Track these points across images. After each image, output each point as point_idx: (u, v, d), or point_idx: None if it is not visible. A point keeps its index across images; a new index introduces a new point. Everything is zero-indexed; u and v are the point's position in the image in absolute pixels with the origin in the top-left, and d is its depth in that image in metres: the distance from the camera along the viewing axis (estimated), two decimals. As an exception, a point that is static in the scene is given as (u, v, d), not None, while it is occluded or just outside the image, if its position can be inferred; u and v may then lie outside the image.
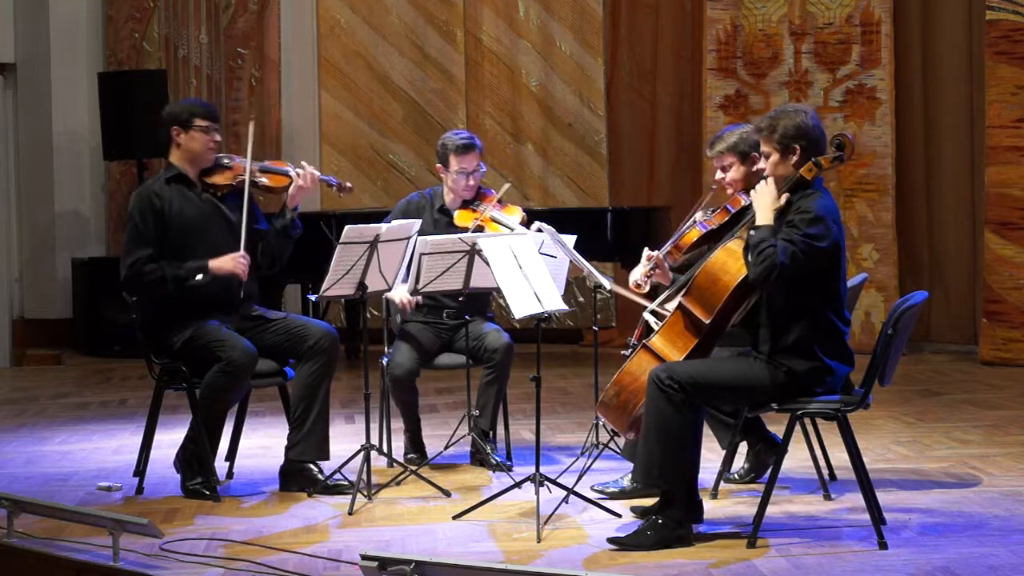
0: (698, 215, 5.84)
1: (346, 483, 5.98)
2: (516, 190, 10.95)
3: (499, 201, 6.61)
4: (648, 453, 5.11)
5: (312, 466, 6.06)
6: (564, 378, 9.40)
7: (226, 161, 6.19)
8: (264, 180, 6.17)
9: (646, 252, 5.75)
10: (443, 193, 6.70)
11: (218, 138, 6.15)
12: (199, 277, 5.92)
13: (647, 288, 5.72)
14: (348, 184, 6.35)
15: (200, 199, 6.11)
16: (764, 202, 5.14)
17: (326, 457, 6.09)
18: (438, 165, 6.68)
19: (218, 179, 6.15)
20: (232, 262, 5.97)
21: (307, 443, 6.03)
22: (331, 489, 6.00)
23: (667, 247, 5.78)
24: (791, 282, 5.03)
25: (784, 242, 5.00)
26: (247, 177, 6.09)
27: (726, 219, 5.75)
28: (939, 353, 10.21)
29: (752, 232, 5.07)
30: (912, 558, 4.92)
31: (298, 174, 6.16)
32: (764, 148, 5.23)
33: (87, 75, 11.38)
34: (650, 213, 9.87)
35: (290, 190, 6.15)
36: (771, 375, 5.13)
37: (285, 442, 6.10)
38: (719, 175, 5.91)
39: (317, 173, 6.20)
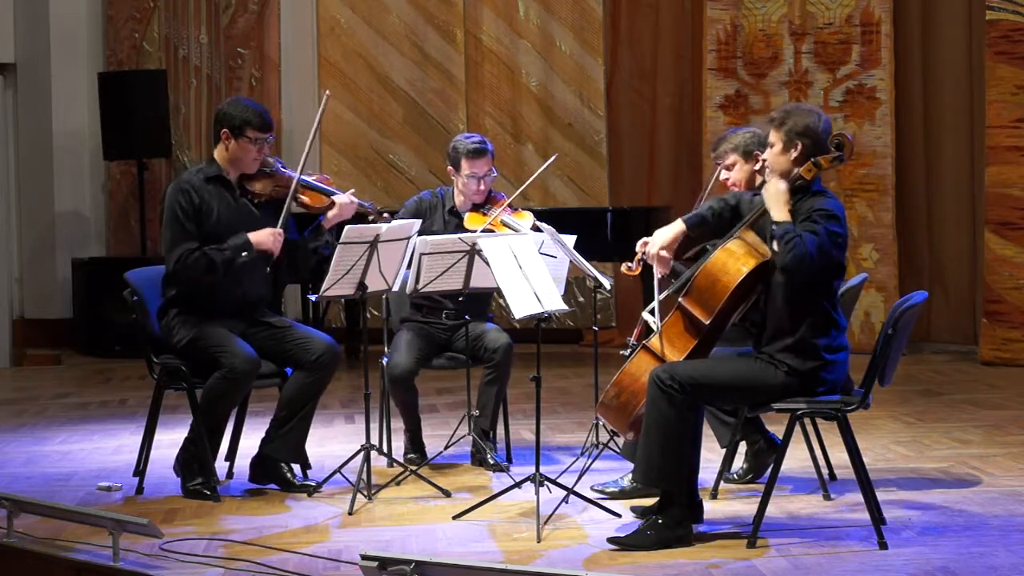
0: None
1: (313, 484, 6.01)
2: (515, 190, 10.93)
3: (510, 206, 6.60)
4: (648, 453, 5.11)
5: (284, 465, 6.08)
6: (564, 378, 9.40)
7: (269, 169, 6.15)
8: (305, 198, 6.16)
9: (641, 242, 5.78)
10: (453, 195, 6.70)
11: (267, 148, 6.11)
12: (244, 255, 5.93)
13: (639, 270, 5.72)
14: (386, 214, 6.32)
15: (236, 202, 6.10)
16: (779, 200, 5.13)
17: (298, 461, 6.10)
18: (449, 168, 6.66)
19: (258, 186, 6.12)
20: (270, 236, 5.96)
21: (283, 442, 6.04)
22: (302, 488, 6.02)
23: None
24: (805, 279, 5.03)
25: (810, 234, 5.01)
26: (292, 188, 6.05)
27: None
28: (939, 353, 10.21)
29: (775, 227, 5.07)
30: (912, 558, 4.92)
31: (340, 199, 6.17)
32: (771, 137, 5.24)
33: (87, 75, 11.38)
34: (650, 213, 9.85)
35: (330, 213, 6.17)
36: (772, 375, 5.13)
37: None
38: (723, 175, 5.95)
39: (356, 199, 6.21)
